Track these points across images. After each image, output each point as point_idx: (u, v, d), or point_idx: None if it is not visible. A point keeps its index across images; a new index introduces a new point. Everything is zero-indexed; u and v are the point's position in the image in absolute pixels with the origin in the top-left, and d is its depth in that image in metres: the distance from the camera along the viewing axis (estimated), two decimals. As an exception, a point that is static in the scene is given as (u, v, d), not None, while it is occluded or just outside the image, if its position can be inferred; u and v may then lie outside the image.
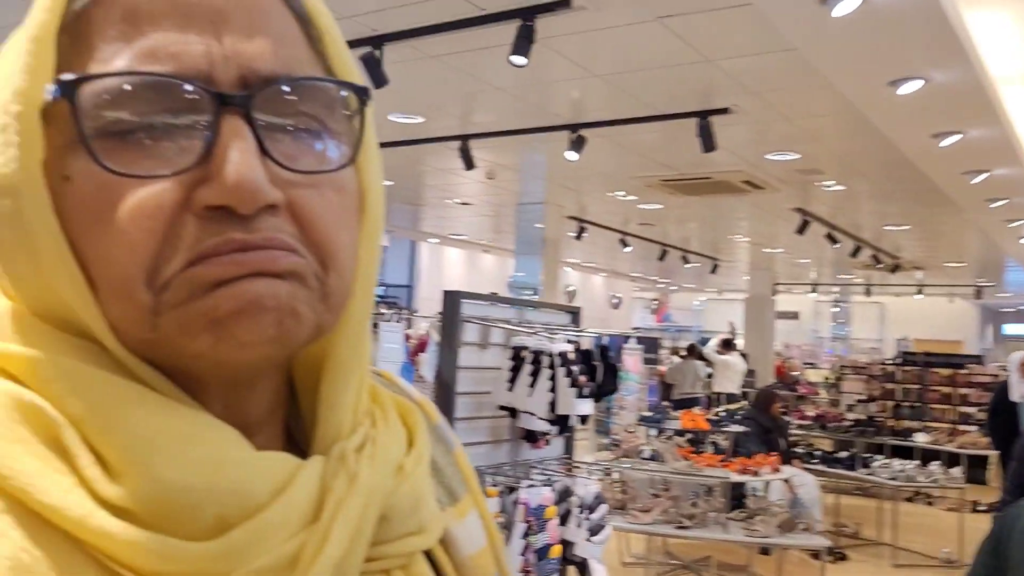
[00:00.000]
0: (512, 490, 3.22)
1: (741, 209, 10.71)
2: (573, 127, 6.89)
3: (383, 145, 7.17)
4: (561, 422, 3.34)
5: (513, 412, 3.40)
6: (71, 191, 0.45)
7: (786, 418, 8.60)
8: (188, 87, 0.44)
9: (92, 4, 0.46)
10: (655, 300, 21.56)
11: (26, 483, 0.41)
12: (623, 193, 9.92)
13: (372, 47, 5.08)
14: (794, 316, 22.41)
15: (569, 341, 3.48)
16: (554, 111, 6.71)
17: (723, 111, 6.18)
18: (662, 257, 14.23)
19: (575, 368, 3.33)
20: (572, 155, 6.98)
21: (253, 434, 0.49)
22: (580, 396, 3.30)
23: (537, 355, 3.32)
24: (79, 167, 0.44)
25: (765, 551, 6.65)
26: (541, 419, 3.30)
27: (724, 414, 8.17)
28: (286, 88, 0.47)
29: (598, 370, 3.59)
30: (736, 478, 5.66)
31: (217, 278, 0.44)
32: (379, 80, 5.10)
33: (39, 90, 0.45)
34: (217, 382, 0.49)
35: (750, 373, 13.29)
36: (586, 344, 3.71)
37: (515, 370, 3.35)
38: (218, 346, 0.44)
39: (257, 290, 0.44)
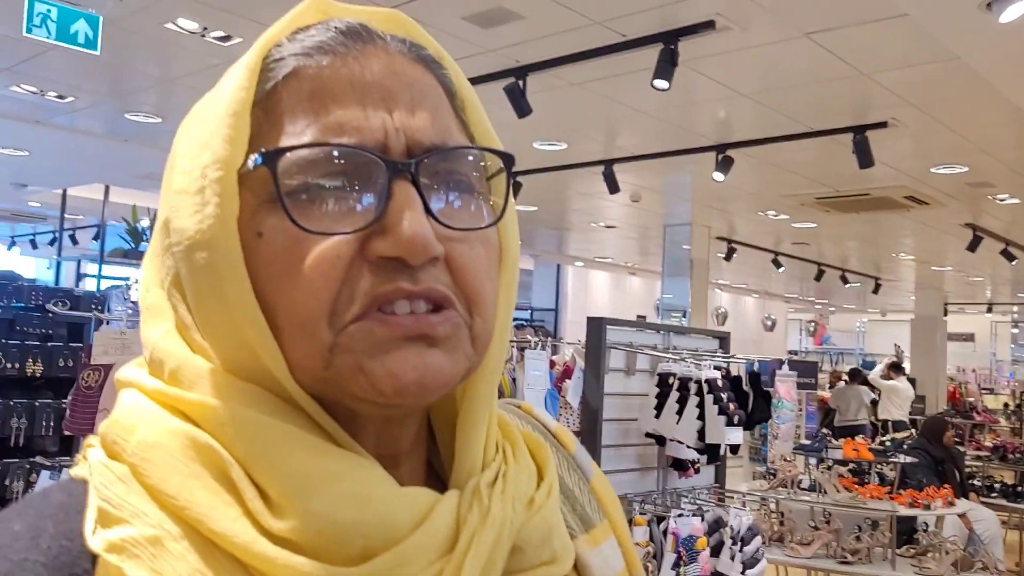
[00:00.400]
0: (661, 519, 3.17)
1: (904, 226, 10.18)
2: (719, 148, 6.77)
3: (528, 172, 7.31)
4: (711, 451, 3.27)
5: (661, 440, 3.35)
6: (263, 245, 0.51)
7: (960, 448, 8.07)
8: (370, 156, 0.51)
9: (281, 84, 0.53)
10: (812, 322, 20.74)
11: (200, 513, 0.47)
12: (774, 212, 9.64)
13: (515, 78, 5.19)
14: (969, 338, 21.01)
15: (717, 367, 3.40)
16: (699, 132, 6.61)
17: (880, 125, 5.92)
18: (819, 277, 13.69)
19: (724, 395, 3.25)
20: (719, 176, 6.85)
21: (399, 464, 0.55)
22: (729, 424, 3.22)
23: (684, 382, 3.27)
24: (271, 224, 0.51)
25: (938, 590, 6.24)
26: (689, 447, 3.24)
27: (890, 443, 7.74)
28: (444, 156, 0.54)
29: (749, 397, 3.50)
30: (905, 511, 5.34)
31: (389, 338, 0.50)
32: (523, 110, 5.19)
33: (238, 157, 0.52)
34: (374, 419, 0.54)
35: (919, 399, 12.55)
36: (736, 370, 3.61)
37: (662, 397, 3.30)
38: (380, 398, 0.51)
39: (425, 364, 0.51)
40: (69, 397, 3.12)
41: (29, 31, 4.34)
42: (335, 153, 0.51)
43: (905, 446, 7.50)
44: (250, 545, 0.47)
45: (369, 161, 0.51)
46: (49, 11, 4.41)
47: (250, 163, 0.51)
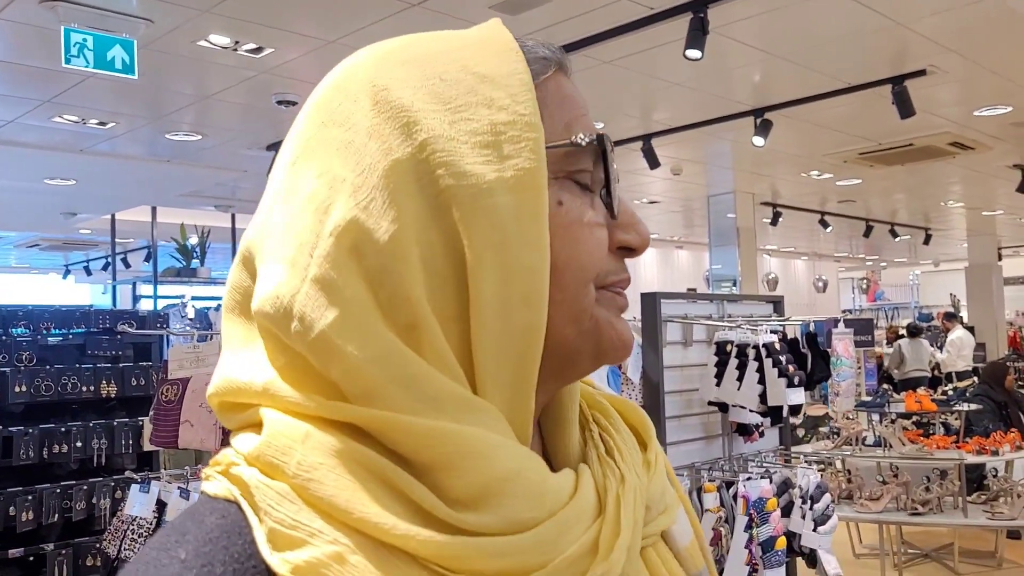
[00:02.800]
0: (730, 485, 3.19)
1: (951, 173, 9.99)
2: (757, 112, 6.72)
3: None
4: (773, 413, 3.28)
5: (723, 407, 3.37)
6: (561, 213, 0.57)
7: (1023, 391, 7.93)
8: (611, 162, 0.60)
9: (550, 83, 0.60)
10: (864, 279, 20.43)
11: (378, 522, 0.48)
12: (817, 172, 9.53)
13: (547, 62, 5.20)
14: (1025, 281, 20.55)
15: (773, 331, 3.41)
16: (736, 98, 6.57)
17: (919, 73, 5.83)
18: (867, 233, 13.49)
19: (782, 358, 3.26)
20: (759, 140, 6.80)
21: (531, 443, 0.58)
22: (790, 385, 3.23)
23: (742, 348, 3.28)
24: (568, 197, 0.58)
25: (1015, 535, 6.17)
26: (752, 412, 3.26)
27: (952, 392, 7.65)
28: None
29: (807, 358, 3.50)
30: (972, 459, 5.29)
31: (620, 308, 0.61)
32: (557, 93, 5.20)
33: (540, 125, 0.56)
34: (542, 398, 0.60)
35: (979, 347, 12.33)
36: (792, 332, 3.61)
37: (721, 365, 3.32)
38: (618, 350, 0.61)
39: (630, 333, 0.62)
40: (151, 413, 3.23)
41: (68, 62, 4.46)
42: (604, 151, 0.59)
43: (967, 395, 7.40)
44: (429, 539, 0.48)
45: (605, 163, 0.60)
46: (85, 40, 4.52)
47: (578, 139, 0.58)
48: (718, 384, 3.31)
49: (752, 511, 3.06)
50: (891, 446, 5.50)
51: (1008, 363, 8.20)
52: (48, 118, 6.46)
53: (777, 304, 3.83)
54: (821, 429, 7.67)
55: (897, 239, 14.55)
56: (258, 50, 5.16)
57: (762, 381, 3.22)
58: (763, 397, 3.23)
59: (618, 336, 0.61)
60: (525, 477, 0.52)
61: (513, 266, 0.53)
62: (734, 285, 10.22)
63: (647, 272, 16.35)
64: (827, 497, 3.32)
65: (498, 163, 0.54)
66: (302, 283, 0.52)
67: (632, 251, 0.62)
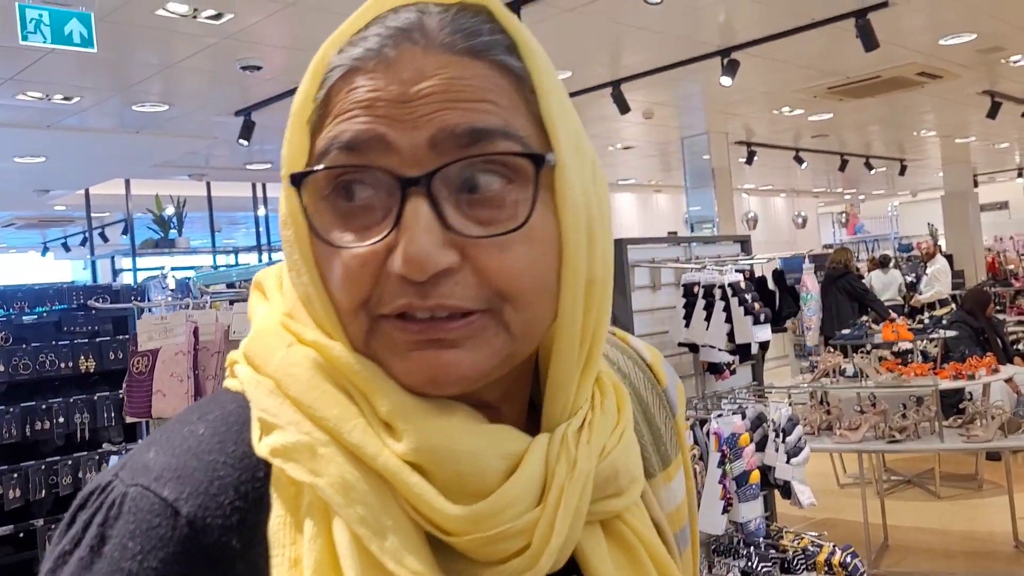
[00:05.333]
0: (704, 423, 3.27)
1: (922, 103, 10.00)
2: (724, 52, 6.70)
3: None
4: (742, 350, 3.35)
5: (694, 347, 3.43)
6: (316, 241, 0.57)
7: (1001, 316, 8.05)
8: (377, 173, 0.54)
9: (333, 93, 0.57)
10: (843, 213, 20.52)
11: (335, 425, 0.54)
12: (788, 109, 9.53)
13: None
14: (1003, 206, 20.67)
15: (739, 271, 3.46)
16: (702, 39, 6.54)
17: (882, 5, 5.82)
18: (843, 167, 13.52)
19: (748, 296, 3.31)
20: (726, 80, 6.79)
21: (496, 408, 0.61)
22: (756, 323, 3.29)
23: (708, 289, 3.33)
24: (320, 223, 0.56)
25: (994, 457, 6.32)
26: (721, 350, 3.32)
27: (928, 320, 7.76)
28: (466, 165, 0.54)
29: (775, 295, 3.56)
30: (946, 384, 5.39)
31: (405, 342, 0.54)
32: (520, 43, 5.16)
33: (300, 157, 0.58)
34: None
35: (958, 274, 12.45)
36: (760, 270, 3.66)
37: (689, 307, 3.37)
38: (409, 388, 0.56)
39: (438, 364, 0.54)
40: (124, 385, 3.28)
41: (25, 38, 4.39)
42: (348, 173, 0.55)
43: (944, 322, 7.51)
44: (376, 455, 0.53)
45: (381, 176, 0.54)
46: (41, 15, 4.44)
47: (292, 174, 0.57)
48: (687, 325, 3.36)
49: (724, 447, 3.14)
50: (868, 376, 5.60)
51: (987, 290, 8.25)
52: (12, 96, 6.38)
53: (744, 243, 3.88)
54: (804, 364, 7.79)
55: (873, 171, 14.59)
56: (218, 16, 5.10)
57: (729, 320, 3.27)
58: (731, 335, 3.29)
59: (402, 374, 0.56)
60: (432, 411, 0.55)
61: (308, 292, 0.59)
62: (713, 227, 10.25)
63: (627, 218, 16.36)
64: (799, 429, 3.40)
65: (286, 198, 0.59)
66: None
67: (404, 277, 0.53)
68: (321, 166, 0.56)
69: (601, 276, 0.61)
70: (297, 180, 0.56)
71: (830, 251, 10.16)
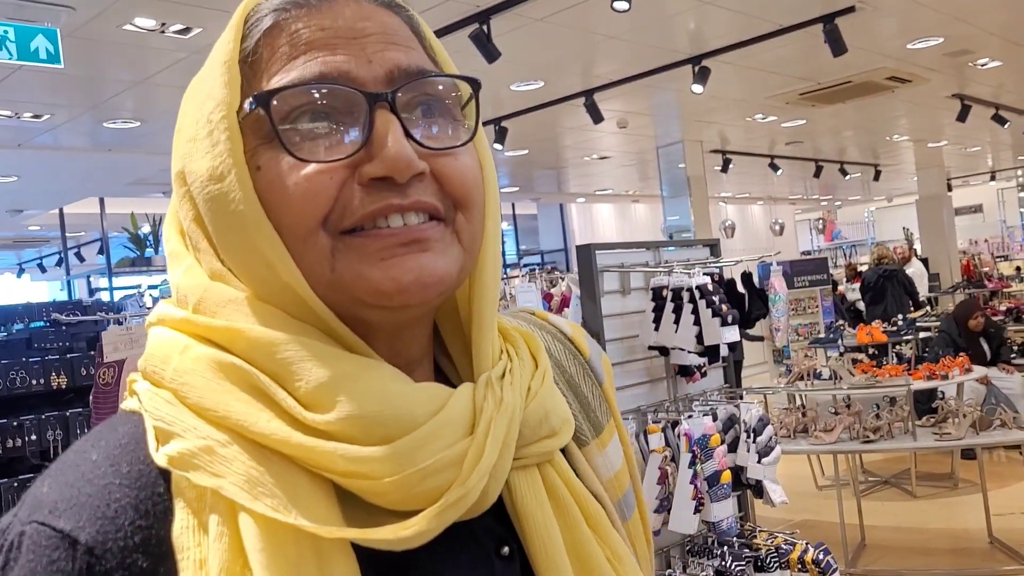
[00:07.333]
0: (675, 425, 3.28)
1: (894, 107, 10.11)
2: (695, 59, 6.76)
3: (511, 115, 7.25)
4: (710, 352, 3.36)
5: (664, 350, 3.45)
6: (261, 176, 0.58)
7: (997, 319, 8.06)
8: (350, 90, 0.58)
9: (262, 39, 0.61)
10: (820, 219, 20.67)
11: (239, 420, 0.55)
12: (761, 116, 9.61)
13: (479, 23, 5.19)
14: (977, 209, 20.88)
15: (707, 274, 3.48)
16: (672, 48, 6.59)
17: (849, 10, 5.89)
18: (817, 173, 13.64)
19: (715, 298, 3.33)
20: (698, 88, 6.85)
21: (412, 370, 0.63)
22: (724, 324, 3.31)
23: (677, 292, 3.36)
24: (268, 157, 0.58)
25: (970, 455, 6.37)
26: (691, 353, 3.34)
27: (901, 322, 7.82)
28: (418, 84, 0.61)
29: (744, 297, 3.58)
30: (918, 385, 5.44)
31: (383, 247, 0.58)
32: (491, 54, 5.19)
33: (236, 101, 0.60)
34: (385, 327, 0.62)
35: (933, 277, 12.56)
36: (729, 273, 3.68)
37: (658, 310, 3.39)
38: (385, 300, 0.58)
39: (419, 265, 0.58)
40: (91, 397, 3.26)
41: (-10, 56, 4.38)
42: (318, 92, 0.58)
43: (918, 325, 7.57)
44: (288, 438, 0.54)
45: (350, 95, 0.58)
46: (6, 32, 4.42)
47: (246, 106, 0.59)
48: (656, 328, 3.38)
49: (695, 448, 3.15)
50: (841, 378, 5.64)
51: (976, 303, 8.14)
52: (-20, 114, 6.35)
53: (713, 247, 3.91)
54: (781, 368, 7.82)
55: (848, 177, 14.72)
56: (186, 30, 5.09)
57: (698, 323, 3.29)
58: (699, 337, 3.31)
59: (370, 286, 0.58)
60: (363, 378, 0.56)
61: (247, 248, 0.59)
62: (691, 236, 10.29)
63: (605, 228, 16.41)
64: (769, 429, 3.42)
65: (212, 151, 0.60)
66: None
67: (386, 179, 0.58)
68: (292, 86, 0.58)
69: (498, 212, 0.68)
70: (265, 100, 0.58)
71: (808, 257, 10.24)
